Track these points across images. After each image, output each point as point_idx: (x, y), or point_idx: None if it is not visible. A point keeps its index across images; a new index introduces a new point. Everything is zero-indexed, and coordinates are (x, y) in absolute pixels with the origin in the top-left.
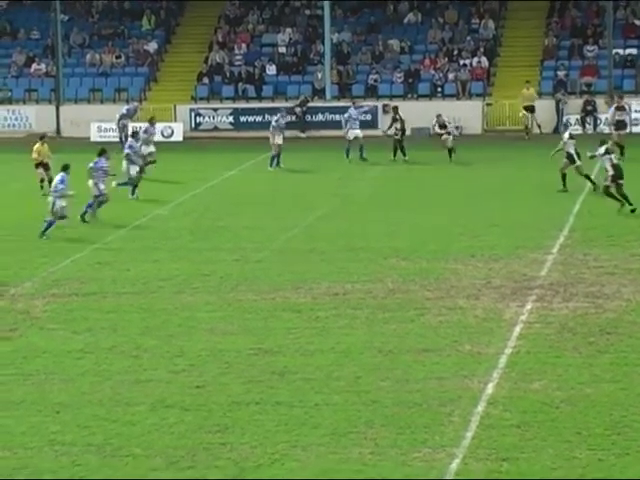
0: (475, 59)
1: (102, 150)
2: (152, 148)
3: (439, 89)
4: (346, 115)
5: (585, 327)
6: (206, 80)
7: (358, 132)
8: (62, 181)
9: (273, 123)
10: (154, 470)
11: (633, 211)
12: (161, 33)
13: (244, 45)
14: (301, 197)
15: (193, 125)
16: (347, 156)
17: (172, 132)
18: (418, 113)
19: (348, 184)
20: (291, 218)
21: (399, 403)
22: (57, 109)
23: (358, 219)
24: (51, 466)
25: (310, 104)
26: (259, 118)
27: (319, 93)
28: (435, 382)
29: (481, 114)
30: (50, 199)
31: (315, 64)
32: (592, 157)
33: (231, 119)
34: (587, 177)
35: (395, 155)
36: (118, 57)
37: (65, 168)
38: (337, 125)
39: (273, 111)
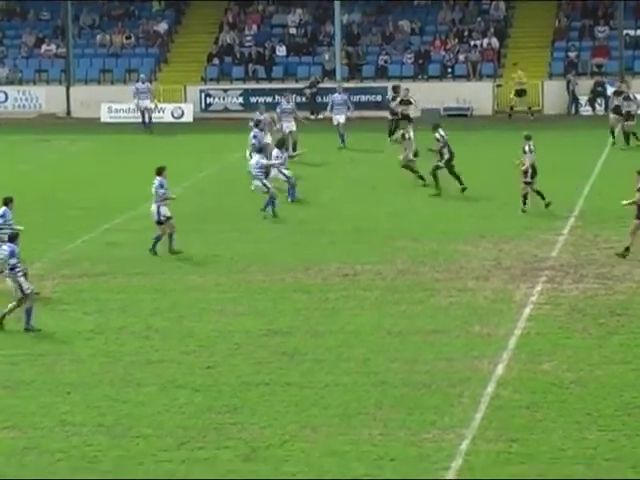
0: (486, 40)
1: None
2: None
3: (449, 70)
4: (330, 100)
5: (595, 308)
6: (216, 61)
7: (340, 118)
8: (162, 185)
9: (277, 110)
10: (165, 450)
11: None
12: (171, 14)
13: (254, 26)
14: (311, 178)
15: (203, 106)
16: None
17: (182, 113)
18: (428, 94)
19: (358, 165)
20: (300, 199)
21: (408, 384)
22: (67, 90)
23: (368, 200)
24: (62, 446)
25: (320, 85)
26: (269, 99)
27: (329, 74)
28: (444, 363)
29: (492, 95)
30: (153, 207)
31: (325, 45)
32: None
33: (241, 100)
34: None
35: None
36: (128, 38)
37: (160, 172)
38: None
39: (283, 92)
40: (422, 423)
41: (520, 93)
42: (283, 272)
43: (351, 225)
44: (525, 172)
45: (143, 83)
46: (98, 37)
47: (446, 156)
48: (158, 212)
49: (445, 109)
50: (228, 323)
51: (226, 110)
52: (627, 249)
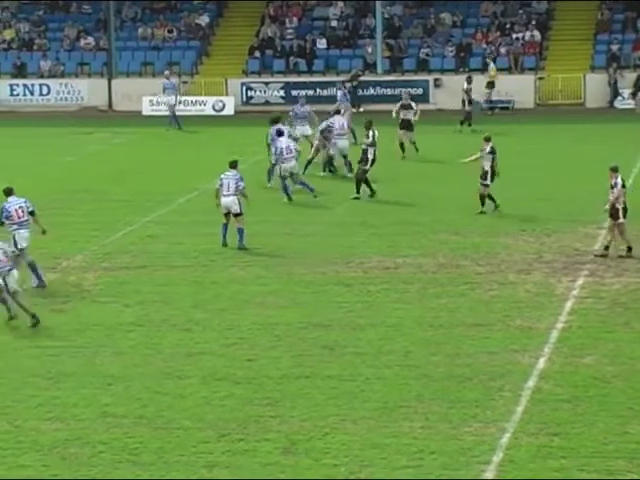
0: (527, 33)
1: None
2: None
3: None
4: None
5: (637, 302)
6: (257, 54)
7: (305, 130)
8: (242, 178)
9: (291, 114)
10: (205, 442)
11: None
12: (213, 7)
13: (295, 19)
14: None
15: (244, 99)
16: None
17: (223, 106)
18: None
19: (398, 158)
20: (341, 192)
21: (449, 377)
22: (109, 83)
23: (409, 193)
24: (103, 438)
25: (361, 78)
26: (310, 92)
27: (370, 67)
28: (486, 356)
29: (533, 88)
30: (230, 199)
31: (366, 38)
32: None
33: (282, 93)
34: None
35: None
36: (170, 31)
37: (235, 165)
38: (388, 99)
39: (324, 85)
40: (463, 416)
41: (489, 85)
42: (324, 265)
43: (392, 218)
44: (485, 174)
45: (168, 79)
46: (140, 30)
47: (370, 157)
48: (239, 204)
49: (486, 102)
50: (269, 316)
51: (267, 103)
52: (607, 248)
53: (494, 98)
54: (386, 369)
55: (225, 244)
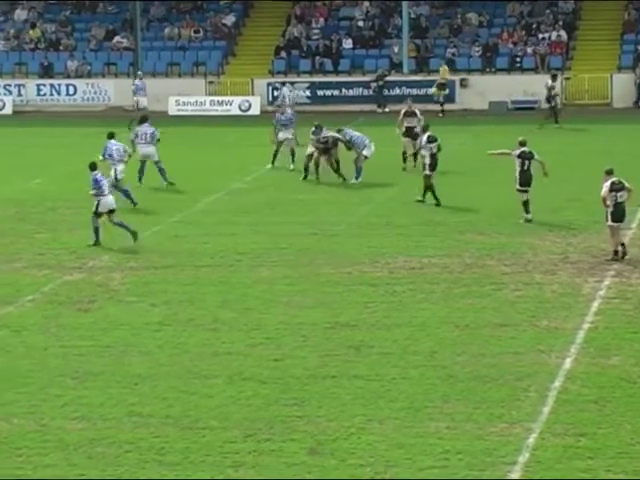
0: (554, 33)
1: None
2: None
3: (517, 63)
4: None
5: None
6: (283, 54)
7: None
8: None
9: (273, 121)
10: (231, 442)
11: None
12: (239, 7)
13: (321, 19)
14: (378, 171)
15: (270, 99)
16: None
17: (249, 106)
18: (496, 87)
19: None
20: (368, 192)
21: (475, 378)
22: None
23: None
24: (130, 437)
25: (387, 78)
26: (336, 92)
27: (396, 67)
28: (512, 357)
29: (560, 88)
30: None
31: (392, 38)
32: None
33: (308, 93)
34: None
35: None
36: (197, 31)
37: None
38: (414, 99)
39: (350, 85)
40: (489, 417)
41: (440, 87)
42: (350, 265)
43: (418, 218)
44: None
45: (140, 80)
46: (166, 30)
47: (427, 161)
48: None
49: (512, 102)
50: (295, 315)
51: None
52: (616, 252)
53: (521, 98)
54: (412, 369)
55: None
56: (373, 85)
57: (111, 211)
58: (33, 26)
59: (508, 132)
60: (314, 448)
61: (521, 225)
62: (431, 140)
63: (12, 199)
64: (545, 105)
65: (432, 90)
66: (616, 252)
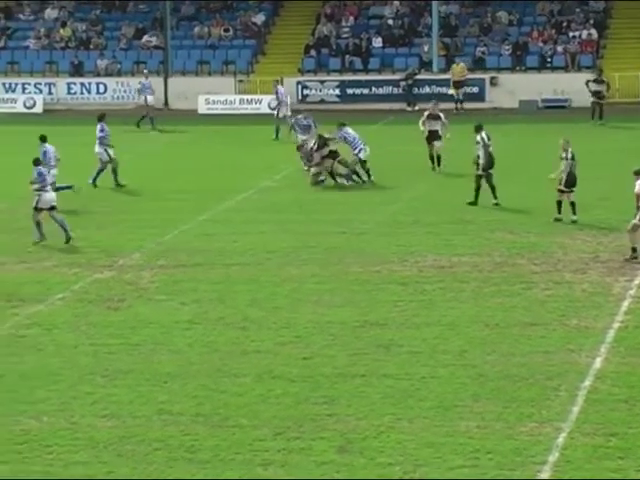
0: (585, 31)
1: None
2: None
3: (547, 61)
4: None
5: None
6: (313, 53)
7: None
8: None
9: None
10: (261, 440)
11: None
12: (269, 5)
13: (351, 17)
14: (406, 169)
15: (300, 97)
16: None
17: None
18: (526, 86)
19: (455, 156)
20: (396, 190)
21: (505, 377)
22: (165, 81)
23: (464, 192)
24: (159, 435)
25: (417, 77)
26: (366, 91)
27: (426, 66)
28: (542, 356)
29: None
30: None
31: (422, 36)
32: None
33: (338, 91)
34: None
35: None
36: (226, 30)
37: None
38: (444, 98)
39: (380, 83)
40: (519, 416)
41: (456, 85)
42: (379, 263)
43: (447, 217)
44: (560, 179)
45: (147, 79)
46: (196, 29)
47: (481, 161)
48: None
49: (543, 101)
50: (324, 314)
51: (323, 102)
52: (634, 250)
53: (551, 97)
54: (441, 368)
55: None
56: (403, 84)
57: (52, 207)
58: (64, 25)
59: (538, 131)
60: (343, 446)
61: (551, 224)
62: (487, 139)
63: None
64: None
65: (450, 91)
66: (635, 249)
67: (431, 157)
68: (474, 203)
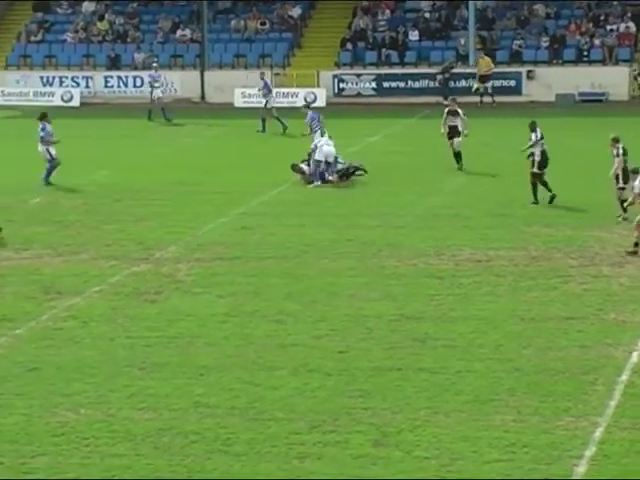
0: (622, 24)
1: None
2: None
3: (585, 55)
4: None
5: None
6: (349, 46)
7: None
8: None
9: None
10: (297, 433)
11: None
12: None
13: (388, 11)
14: (442, 162)
15: (336, 91)
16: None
17: (315, 98)
18: (563, 79)
19: (492, 150)
20: (433, 184)
21: (542, 371)
22: (202, 75)
23: (501, 185)
24: (195, 428)
25: (453, 70)
26: (402, 84)
27: (463, 59)
28: (578, 350)
29: (628, 80)
30: None
31: (459, 30)
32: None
33: (374, 85)
34: None
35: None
36: (263, 23)
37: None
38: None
39: (416, 77)
40: (555, 410)
41: (482, 79)
42: (415, 257)
43: (484, 210)
44: (617, 177)
45: (156, 71)
46: (233, 22)
47: (537, 159)
48: None
49: (580, 94)
50: (360, 308)
51: (359, 95)
52: (636, 244)
53: (588, 90)
54: (477, 362)
55: None
56: (439, 77)
57: None
58: (101, 18)
59: (575, 125)
60: (379, 440)
61: (588, 218)
62: (541, 137)
63: (79, 191)
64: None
65: (475, 84)
66: (637, 244)
67: (455, 156)
68: (537, 202)
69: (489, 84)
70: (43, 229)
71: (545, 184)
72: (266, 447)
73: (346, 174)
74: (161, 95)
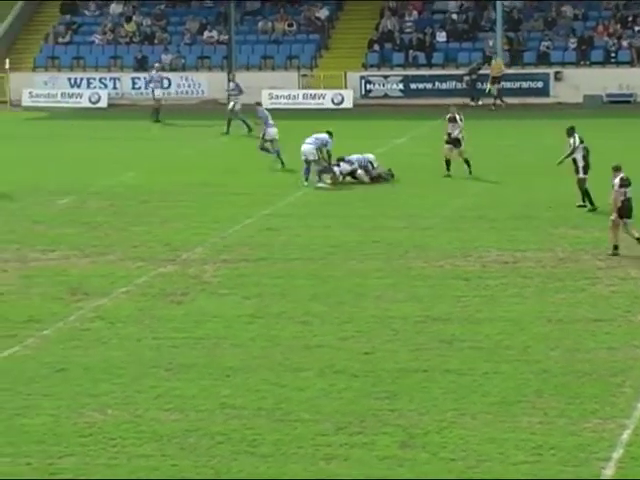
0: None
1: None
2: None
3: (612, 56)
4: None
5: None
6: (377, 47)
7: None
8: None
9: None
10: (323, 435)
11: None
12: (333, 0)
13: (415, 12)
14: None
15: (363, 92)
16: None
17: (342, 99)
18: (591, 81)
19: (519, 151)
20: (460, 185)
21: (569, 373)
22: (229, 76)
23: (528, 187)
24: (222, 429)
25: (480, 71)
26: (429, 85)
27: (490, 60)
28: (606, 352)
29: None
30: None
31: (486, 31)
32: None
33: (401, 86)
34: None
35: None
36: (290, 25)
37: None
38: (508, 92)
39: (443, 78)
40: (582, 412)
41: (494, 81)
42: (442, 258)
43: (511, 212)
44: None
45: (157, 72)
46: (260, 24)
47: (580, 164)
48: None
49: (607, 95)
50: (387, 309)
51: (386, 96)
52: (616, 247)
53: (616, 91)
54: (504, 364)
55: None
56: (466, 78)
57: None
58: (128, 20)
59: (603, 126)
60: (406, 442)
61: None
62: (582, 141)
63: (106, 192)
64: None
65: (487, 86)
66: (616, 247)
67: (446, 161)
68: (585, 206)
69: (499, 86)
70: (70, 230)
71: (587, 193)
72: (292, 448)
73: (373, 177)
74: (160, 96)
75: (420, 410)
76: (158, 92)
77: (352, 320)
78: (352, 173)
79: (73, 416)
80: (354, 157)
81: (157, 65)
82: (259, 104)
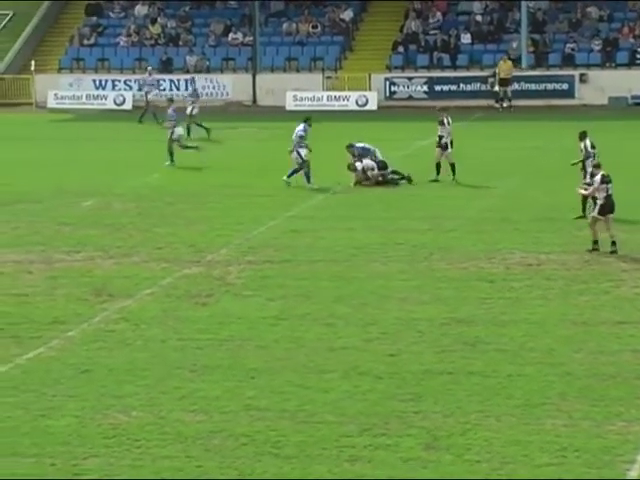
0: None
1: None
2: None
3: (638, 58)
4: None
5: None
6: (401, 49)
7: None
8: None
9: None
10: (347, 436)
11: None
12: (357, 2)
13: (439, 13)
14: (494, 166)
15: (387, 94)
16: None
17: (366, 101)
18: (616, 82)
19: (543, 153)
20: (484, 187)
21: (593, 375)
22: (253, 78)
23: (552, 189)
24: (246, 430)
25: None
26: (454, 87)
27: (515, 62)
28: (630, 355)
29: None
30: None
31: (511, 32)
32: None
33: (425, 88)
34: None
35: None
36: (315, 26)
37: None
38: (533, 94)
39: (468, 80)
40: (607, 415)
41: (503, 82)
42: (466, 260)
43: (535, 214)
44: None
45: (150, 75)
46: (285, 25)
47: (589, 169)
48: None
49: (633, 97)
50: (411, 311)
51: (410, 98)
52: (596, 242)
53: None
54: (529, 366)
55: None
56: (491, 80)
57: None
58: (153, 22)
59: (628, 128)
60: (430, 443)
61: (638, 222)
62: (593, 147)
63: (131, 193)
64: None
65: (495, 87)
66: (596, 242)
67: (437, 165)
68: (584, 216)
69: (509, 88)
70: (95, 232)
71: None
72: (316, 450)
73: (383, 176)
74: (152, 99)
75: (444, 412)
76: (152, 95)
77: (376, 322)
78: (383, 176)
79: (97, 417)
80: (364, 146)
81: (150, 68)
82: (171, 100)
